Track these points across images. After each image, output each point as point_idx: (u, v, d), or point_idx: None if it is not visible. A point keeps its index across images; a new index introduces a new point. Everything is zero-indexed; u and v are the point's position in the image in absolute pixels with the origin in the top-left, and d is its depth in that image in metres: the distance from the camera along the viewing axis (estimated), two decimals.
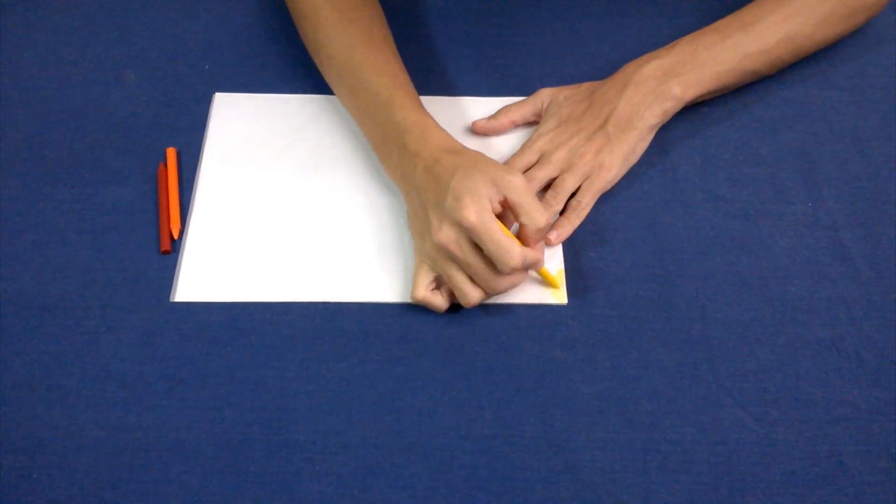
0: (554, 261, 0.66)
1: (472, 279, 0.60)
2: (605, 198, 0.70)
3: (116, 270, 0.65)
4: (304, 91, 0.77)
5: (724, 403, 0.59)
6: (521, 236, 0.62)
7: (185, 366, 0.61)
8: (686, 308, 0.64)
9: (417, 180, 0.62)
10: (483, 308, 0.64)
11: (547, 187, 0.69)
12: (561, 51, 0.80)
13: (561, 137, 0.70)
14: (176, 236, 0.67)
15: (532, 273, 0.65)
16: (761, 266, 0.66)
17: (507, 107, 0.74)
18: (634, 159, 0.71)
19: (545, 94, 0.74)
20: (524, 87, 0.77)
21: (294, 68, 0.78)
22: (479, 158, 0.62)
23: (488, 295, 0.62)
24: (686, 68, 0.70)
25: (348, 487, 0.56)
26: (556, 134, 0.70)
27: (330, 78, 0.73)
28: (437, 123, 0.65)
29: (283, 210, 0.69)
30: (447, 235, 0.59)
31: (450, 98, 0.76)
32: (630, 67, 0.71)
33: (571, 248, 0.67)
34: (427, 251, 0.62)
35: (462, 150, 0.63)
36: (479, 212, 0.57)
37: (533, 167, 0.69)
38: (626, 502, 0.55)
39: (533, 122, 0.74)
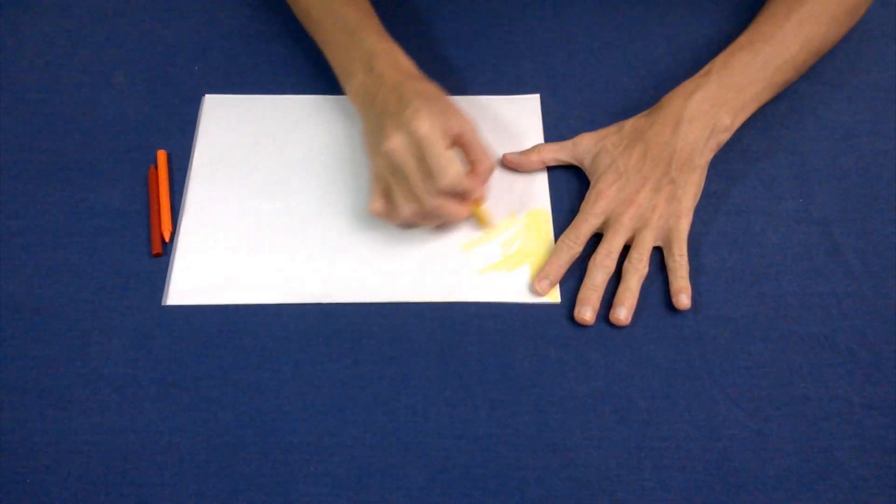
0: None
1: (408, 194, 0.62)
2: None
3: (108, 274, 0.65)
4: (295, 91, 0.77)
5: (718, 400, 0.59)
6: (470, 174, 0.64)
7: (178, 369, 0.61)
8: None
9: (380, 98, 0.64)
10: (477, 307, 0.64)
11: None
12: (552, 49, 0.80)
13: (625, 193, 0.66)
14: (167, 239, 0.67)
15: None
16: (753, 262, 0.66)
17: (541, 145, 0.72)
18: (700, 194, 0.68)
19: (587, 142, 0.70)
20: (515, 86, 0.77)
21: (284, 69, 0.78)
22: (442, 93, 0.65)
23: (422, 216, 0.63)
24: (729, 95, 0.68)
25: (343, 489, 0.56)
26: (619, 190, 0.66)
27: (298, 11, 0.75)
28: (403, 52, 0.68)
29: (275, 211, 0.69)
30: (396, 142, 0.60)
31: None
32: (675, 102, 0.68)
33: None
34: (376, 162, 0.63)
35: (426, 80, 0.66)
36: (432, 125, 0.60)
37: (607, 237, 0.65)
38: (622, 500, 0.55)
39: (564, 165, 0.72)
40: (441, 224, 0.67)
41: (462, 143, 0.63)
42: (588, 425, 0.58)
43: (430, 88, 0.65)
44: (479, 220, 0.67)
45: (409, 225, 0.65)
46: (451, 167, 0.60)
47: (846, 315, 0.63)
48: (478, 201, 0.66)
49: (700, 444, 0.58)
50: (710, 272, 0.66)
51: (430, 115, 0.60)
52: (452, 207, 0.63)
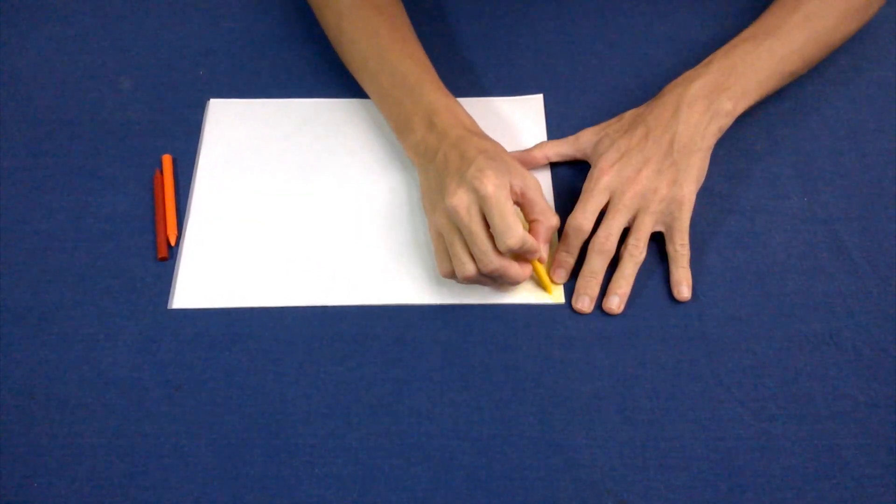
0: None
1: (470, 252, 0.60)
2: None
3: (114, 278, 0.66)
4: (299, 95, 0.77)
5: (723, 399, 0.59)
6: (532, 232, 0.62)
7: (184, 372, 0.61)
8: (683, 304, 0.64)
9: (441, 154, 0.63)
10: (481, 309, 0.64)
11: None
12: (555, 50, 0.80)
13: (627, 171, 0.66)
14: (173, 243, 0.67)
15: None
16: (758, 261, 0.66)
17: (544, 142, 0.72)
18: (703, 179, 0.67)
19: (588, 136, 0.71)
20: (518, 87, 0.77)
21: (288, 73, 0.79)
22: (503, 149, 0.64)
23: (482, 275, 0.60)
24: (730, 81, 0.68)
25: (348, 490, 0.56)
26: (622, 166, 0.66)
27: (352, 62, 0.73)
28: (464, 108, 0.67)
29: (280, 215, 0.69)
30: (460, 199, 0.59)
31: None
32: (676, 89, 0.68)
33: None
34: (436, 220, 0.62)
35: (487, 137, 0.65)
36: (497, 186, 0.58)
37: (607, 218, 0.65)
38: (626, 500, 0.55)
39: (568, 161, 0.72)
40: (501, 285, 0.64)
41: (524, 202, 0.62)
42: (592, 425, 0.58)
43: (493, 145, 0.63)
44: (542, 282, 0.64)
45: (469, 282, 0.62)
46: (518, 227, 0.58)
47: (851, 313, 0.63)
48: (539, 261, 0.63)
49: (705, 444, 0.57)
50: (715, 271, 0.65)
51: (496, 175, 0.58)
52: (515, 268, 0.61)
